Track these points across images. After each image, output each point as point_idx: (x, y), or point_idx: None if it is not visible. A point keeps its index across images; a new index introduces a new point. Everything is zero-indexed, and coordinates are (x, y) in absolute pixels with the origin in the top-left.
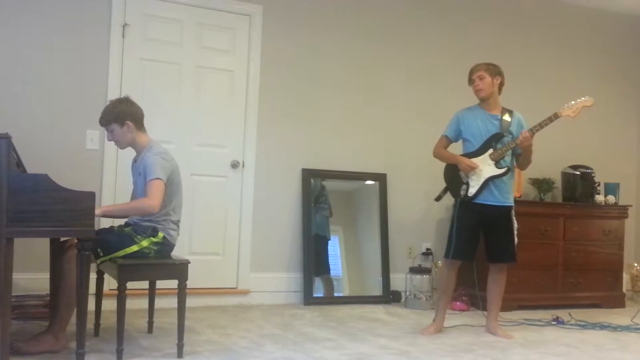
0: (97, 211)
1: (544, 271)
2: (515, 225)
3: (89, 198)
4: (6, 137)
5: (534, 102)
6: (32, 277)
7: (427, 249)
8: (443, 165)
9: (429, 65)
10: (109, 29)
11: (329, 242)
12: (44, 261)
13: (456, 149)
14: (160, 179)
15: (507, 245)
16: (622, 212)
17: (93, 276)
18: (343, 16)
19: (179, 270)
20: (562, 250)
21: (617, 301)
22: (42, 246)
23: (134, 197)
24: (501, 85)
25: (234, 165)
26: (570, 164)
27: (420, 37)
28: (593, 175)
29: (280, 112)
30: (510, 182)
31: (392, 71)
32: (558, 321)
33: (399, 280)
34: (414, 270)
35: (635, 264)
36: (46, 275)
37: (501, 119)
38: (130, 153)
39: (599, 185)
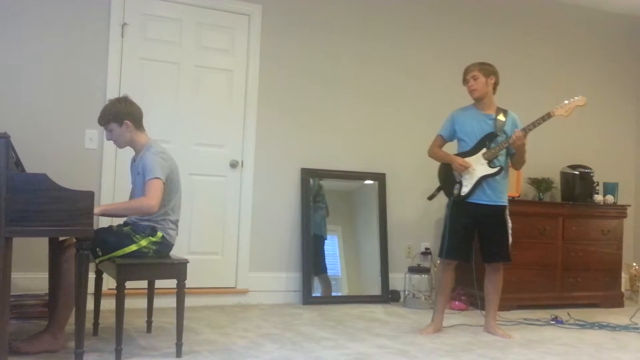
0: (96, 210)
1: (542, 271)
2: (510, 224)
3: (88, 197)
4: (5, 137)
5: (533, 101)
6: (30, 276)
7: (426, 249)
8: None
9: (429, 65)
10: (108, 29)
11: (326, 241)
12: (42, 261)
13: (452, 148)
14: (159, 178)
15: (501, 245)
16: (620, 211)
17: (92, 275)
18: (342, 16)
19: (178, 269)
20: (561, 250)
21: (615, 301)
22: (40, 246)
23: (132, 196)
24: (495, 85)
25: (233, 165)
26: (569, 163)
27: (419, 37)
28: (592, 175)
29: (279, 112)
30: (504, 181)
31: (391, 71)
32: (557, 321)
33: (398, 279)
34: (413, 269)
35: (634, 264)
36: (45, 275)
37: (495, 119)
38: (129, 152)
39: (597, 185)
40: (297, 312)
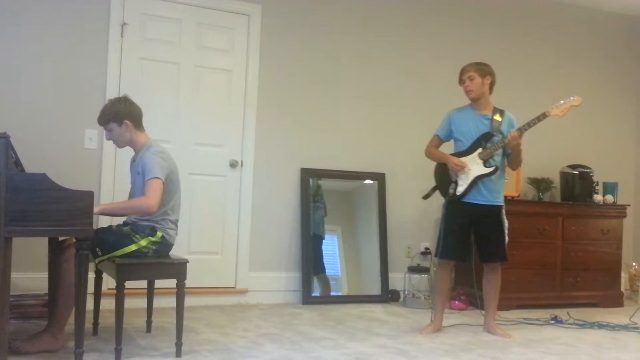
0: (95, 209)
1: (542, 270)
2: (506, 224)
3: (88, 197)
4: (4, 137)
5: (533, 101)
6: (30, 276)
7: (426, 248)
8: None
9: (429, 65)
10: (107, 29)
11: (324, 241)
12: (42, 260)
13: (449, 148)
14: (159, 178)
15: (497, 245)
16: (620, 211)
17: (91, 275)
18: (342, 16)
19: (178, 269)
20: (561, 249)
21: (615, 300)
22: (40, 245)
23: (131, 196)
24: (492, 85)
25: (233, 164)
26: (568, 163)
27: (419, 37)
28: (591, 174)
29: (279, 112)
30: (500, 181)
31: (391, 71)
32: (556, 320)
33: (398, 279)
34: (413, 269)
35: (634, 263)
36: (44, 275)
37: (492, 119)
38: (128, 152)
39: (597, 184)
40: (297, 311)
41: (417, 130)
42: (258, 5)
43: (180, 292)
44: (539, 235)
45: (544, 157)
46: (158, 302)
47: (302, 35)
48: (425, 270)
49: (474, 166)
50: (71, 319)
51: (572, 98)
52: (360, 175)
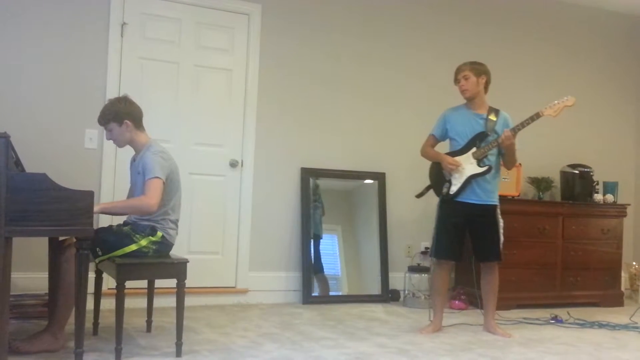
0: (95, 208)
1: (542, 270)
2: (501, 224)
3: (88, 197)
4: (5, 137)
5: (532, 101)
6: (30, 276)
7: (426, 248)
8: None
9: (429, 65)
10: (107, 28)
11: (322, 240)
12: (42, 260)
13: (445, 148)
14: (159, 177)
15: (492, 245)
16: (620, 211)
17: (92, 275)
18: (342, 15)
19: (178, 269)
20: (561, 249)
21: (615, 300)
22: (40, 245)
23: (131, 196)
24: (487, 84)
25: (233, 164)
26: (569, 163)
27: (419, 37)
28: (592, 174)
29: (279, 111)
30: (495, 181)
31: (391, 70)
32: (556, 320)
33: (398, 279)
34: (413, 269)
35: (634, 263)
36: (44, 275)
37: (487, 119)
38: (128, 152)
39: (597, 184)
40: (297, 311)
41: (417, 130)
42: (258, 5)
43: (180, 292)
44: (539, 234)
45: (544, 157)
46: (158, 301)
47: (302, 35)
48: (425, 269)
49: (468, 165)
50: (71, 319)
51: (565, 98)
52: (360, 175)
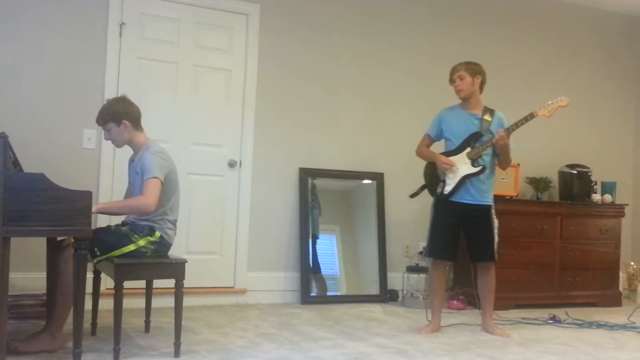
0: (93, 208)
1: (540, 270)
2: (496, 224)
3: (86, 197)
4: (3, 136)
5: (532, 101)
6: (28, 276)
7: (424, 248)
8: None
9: (428, 65)
10: (106, 28)
11: (318, 240)
12: (40, 260)
13: (441, 148)
14: (157, 178)
15: (486, 245)
16: (618, 211)
17: (90, 275)
18: (341, 16)
19: (176, 269)
20: (559, 249)
21: (613, 300)
22: (38, 245)
23: (128, 196)
24: (482, 84)
25: (231, 164)
26: (567, 163)
27: (419, 37)
28: (590, 174)
29: (277, 111)
30: (489, 181)
31: (390, 71)
32: (555, 320)
33: (396, 279)
34: (411, 269)
35: (632, 263)
36: (43, 275)
37: (482, 119)
38: (126, 152)
39: (595, 184)
40: (296, 311)
41: (416, 131)
42: (257, 5)
43: (178, 292)
44: (538, 234)
45: (543, 157)
46: (156, 302)
47: (301, 35)
48: (423, 270)
49: (462, 165)
50: (69, 319)
51: (559, 99)
52: (358, 175)
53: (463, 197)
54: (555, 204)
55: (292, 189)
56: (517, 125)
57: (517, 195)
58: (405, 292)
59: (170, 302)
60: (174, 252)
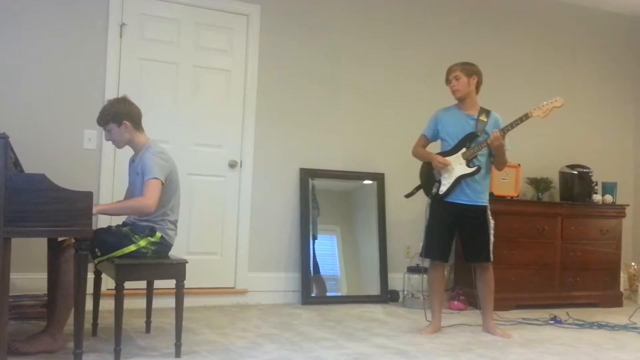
0: (93, 209)
1: (541, 270)
2: (492, 224)
3: (87, 198)
4: (4, 137)
5: (532, 101)
6: (29, 277)
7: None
8: None
9: (428, 65)
10: (106, 29)
11: (316, 241)
12: (41, 261)
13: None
14: (158, 178)
15: (481, 245)
16: (619, 211)
17: (91, 276)
18: (341, 16)
19: (177, 270)
20: (560, 249)
21: (614, 300)
22: (39, 246)
23: (129, 196)
24: (478, 84)
25: (232, 165)
26: (567, 163)
27: (419, 38)
28: (590, 174)
29: (278, 112)
30: (484, 182)
31: (390, 72)
32: (556, 320)
33: (397, 279)
34: (412, 269)
35: (633, 263)
36: (43, 275)
37: (477, 119)
38: (127, 153)
39: (596, 184)
40: (296, 312)
41: (416, 131)
42: (257, 6)
43: (179, 293)
44: (538, 235)
45: (543, 157)
46: (157, 302)
47: (301, 36)
48: (424, 270)
49: (457, 166)
50: (70, 320)
51: (554, 99)
52: (359, 176)
53: (458, 198)
54: (555, 205)
55: (293, 189)
56: (512, 125)
57: (517, 196)
58: (406, 292)
59: (171, 302)
60: (175, 253)
